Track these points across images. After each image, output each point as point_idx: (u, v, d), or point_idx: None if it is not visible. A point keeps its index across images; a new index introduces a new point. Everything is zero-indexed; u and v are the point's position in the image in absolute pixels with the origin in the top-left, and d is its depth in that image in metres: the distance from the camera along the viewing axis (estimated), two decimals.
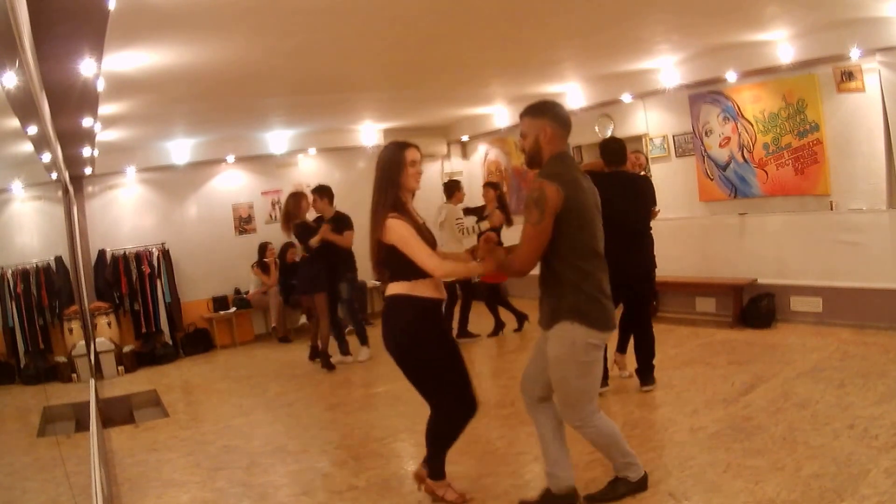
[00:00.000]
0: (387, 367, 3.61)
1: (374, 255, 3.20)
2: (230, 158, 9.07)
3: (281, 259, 8.56)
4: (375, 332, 3.74)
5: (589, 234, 2.91)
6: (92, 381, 5.37)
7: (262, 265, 8.83)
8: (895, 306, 5.70)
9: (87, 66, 3.54)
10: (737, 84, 6.69)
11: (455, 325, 7.13)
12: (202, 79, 5.24)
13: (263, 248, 8.89)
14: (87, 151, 6.42)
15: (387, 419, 4.91)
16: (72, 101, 4.25)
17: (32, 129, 3.32)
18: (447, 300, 7.08)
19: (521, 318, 7.33)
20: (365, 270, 6.45)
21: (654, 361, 4.87)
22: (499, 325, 7.38)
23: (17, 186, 3.77)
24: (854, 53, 5.59)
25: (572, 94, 7.96)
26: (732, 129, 6.90)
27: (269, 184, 9.50)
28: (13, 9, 1.99)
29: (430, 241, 3.20)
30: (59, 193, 5.61)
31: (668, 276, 6.54)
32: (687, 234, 7.36)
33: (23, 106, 2.78)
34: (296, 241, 6.98)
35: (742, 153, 6.86)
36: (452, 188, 7.32)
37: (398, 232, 3.06)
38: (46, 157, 4.16)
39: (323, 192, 6.72)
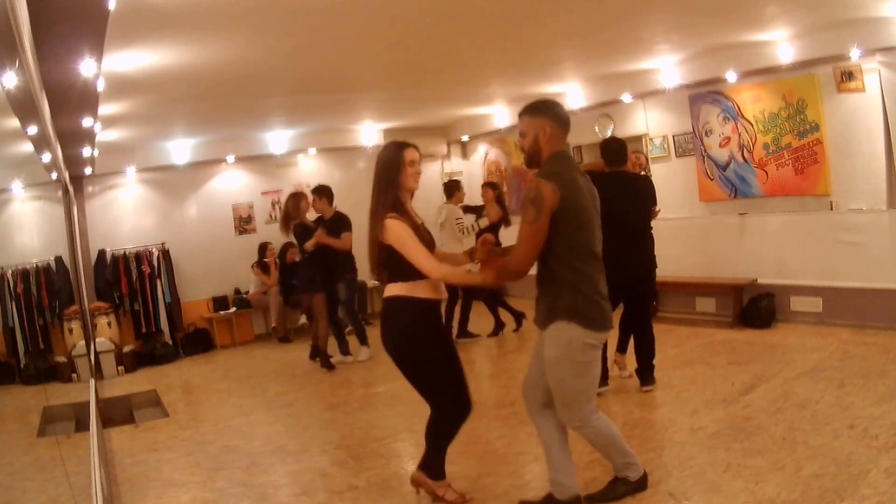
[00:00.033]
0: (386, 367, 3.61)
1: (372, 256, 3.20)
2: (230, 158, 9.07)
3: (281, 259, 8.57)
4: (375, 332, 3.74)
5: (586, 235, 2.89)
6: (92, 381, 5.37)
7: (262, 265, 8.84)
8: (895, 306, 5.70)
9: (87, 66, 3.54)
10: (737, 84, 6.69)
11: (455, 324, 7.15)
12: (202, 79, 5.24)
13: (263, 248, 8.89)
14: (87, 151, 6.42)
15: (386, 419, 4.91)
16: (72, 101, 4.25)
17: (32, 129, 3.32)
18: (448, 300, 7.09)
19: (519, 316, 7.34)
20: (365, 271, 6.43)
21: (654, 361, 4.87)
22: (499, 326, 7.38)
23: (17, 186, 3.77)
24: (854, 53, 5.59)
25: (572, 94, 7.96)
26: (732, 129, 6.90)
27: (269, 184, 9.50)
28: (13, 9, 1.99)
29: (429, 241, 3.20)
30: (59, 193, 5.61)
31: (668, 276, 6.54)
32: (687, 234, 7.36)
33: (23, 106, 2.78)
34: (295, 241, 6.98)
35: (742, 153, 6.86)
36: (452, 188, 7.32)
37: (396, 232, 3.05)
38: (46, 157, 4.16)
39: (322, 192, 6.72)
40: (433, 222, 6.99)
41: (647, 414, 4.41)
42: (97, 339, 7.24)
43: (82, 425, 4.23)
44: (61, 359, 4.64)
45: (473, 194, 8.55)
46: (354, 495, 3.58)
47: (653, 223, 4.98)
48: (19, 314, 3.64)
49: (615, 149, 4.78)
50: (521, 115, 3.01)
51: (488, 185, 7.25)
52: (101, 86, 4.14)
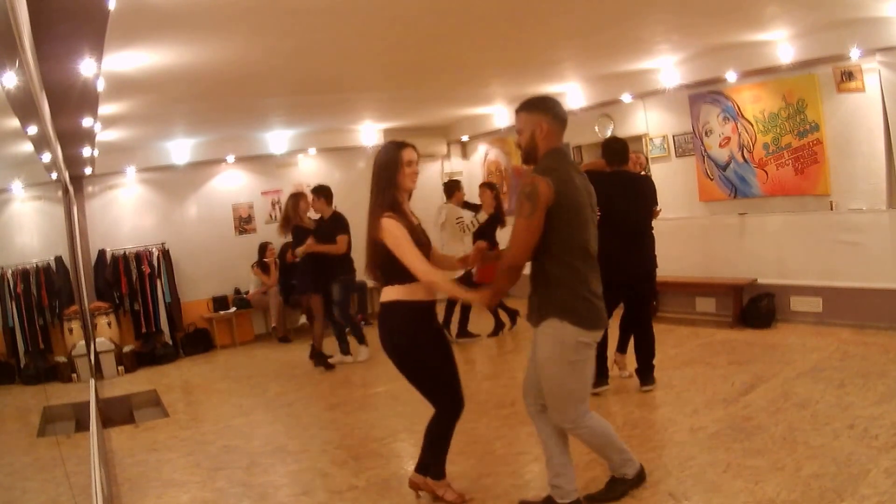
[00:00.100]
0: (386, 366, 3.61)
1: (369, 256, 3.21)
2: (230, 158, 9.07)
3: (281, 259, 8.56)
4: (374, 332, 3.74)
5: (581, 233, 2.86)
6: (92, 381, 5.37)
7: (262, 265, 8.84)
8: (895, 306, 5.70)
9: (87, 66, 3.54)
10: (737, 84, 6.69)
11: (455, 324, 7.15)
12: (202, 79, 5.24)
13: (263, 248, 8.89)
14: (87, 151, 6.42)
15: (386, 419, 4.91)
16: (72, 101, 4.25)
17: (32, 129, 3.32)
18: (448, 300, 7.08)
19: (513, 314, 7.35)
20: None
21: (654, 361, 4.87)
22: (499, 325, 7.38)
23: (17, 186, 3.77)
24: (854, 53, 5.59)
25: (572, 94, 7.96)
26: (732, 129, 6.90)
27: (269, 184, 9.51)
28: (13, 9, 1.99)
29: (424, 243, 3.20)
30: (59, 193, 5.61)
31: (668, 276, 6.54)
32: (687, 234, 7.36)
33: (23, 106, 2.78)
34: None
35: (742, 153, 6.86)
36: (452, 188, 7.32)
37: (391, 232, 3.06)
38: (46, 157, 4.16)
39: (321, 191, 6.72)
40: (433, 222, 7.00)
41: (647, 414, 4.41)
42: (97, 339, 7.24)
43: (82, 425, 4.23)
44: (61, 359, 4.64)
45: (473, 195, 8.53)
46: (354, 495, 3.58)
47: (653, 223, 4.98)
48: (19, 314, 3.65)
49: (616, 149, 4.79)
50: (518, 111, 3.01)
51: (486, 186, 7.25)
52: (101, 86, 4.14)
